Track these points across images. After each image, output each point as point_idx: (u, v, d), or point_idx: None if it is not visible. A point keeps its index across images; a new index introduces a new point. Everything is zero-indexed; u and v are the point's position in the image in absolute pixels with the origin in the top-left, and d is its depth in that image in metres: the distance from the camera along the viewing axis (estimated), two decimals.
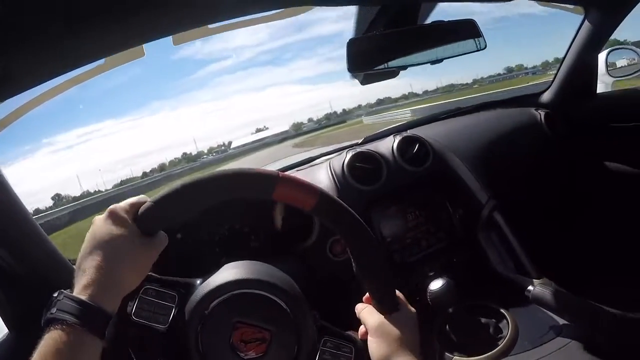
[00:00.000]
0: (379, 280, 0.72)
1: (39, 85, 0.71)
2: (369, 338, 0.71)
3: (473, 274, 1.36)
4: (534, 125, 1.71)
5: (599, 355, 0.93)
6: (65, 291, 0.55)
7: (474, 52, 1.22)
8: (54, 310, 0.54)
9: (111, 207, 0.63)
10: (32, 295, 0.93)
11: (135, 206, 0.64)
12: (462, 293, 1.09)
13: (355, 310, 0.77)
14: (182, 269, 1.14)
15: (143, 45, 0.87)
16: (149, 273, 0.67)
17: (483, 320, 1.12)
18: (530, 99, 1.98)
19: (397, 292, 0.76)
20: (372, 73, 1.25)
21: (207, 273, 0.78)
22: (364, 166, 1.33)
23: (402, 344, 0.68)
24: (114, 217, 0.62)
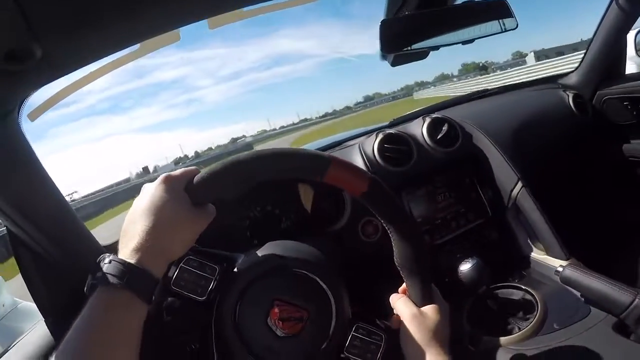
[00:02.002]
0: (419, 273, 0.73)
1: (75, 71, 0.71)
2: (402, 328, 0.71)
3: (502, 254, 1.37)
4: (562, 107, 1.69)
5: (628, 337, 0.94)
6: (111, 255, 0.56)
7: (504, 32, 1.21)
8: (100, 273, 0.54)
9: (165, 174, 0.63)
10: (68, 284, 0.96)
11: (188, 175, 0.64)
12: (491, 274, 1.09)
13: (390, 300, 0.78)
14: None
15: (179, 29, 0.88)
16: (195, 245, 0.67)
17: (512, 301, 1.12)
18: (558, 80, 1.95)
19: (433, 285, 0.76)
20: (402, 54, 1.25)
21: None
22: (394, 147, 1.32)
23: (434, 337, 0.69)
24: (167, 183, 0.62)
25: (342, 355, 0.71)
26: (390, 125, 1.60)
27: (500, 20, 1.19)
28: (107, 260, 0.55)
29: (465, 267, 1.07)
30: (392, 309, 0.77)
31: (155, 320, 0.67)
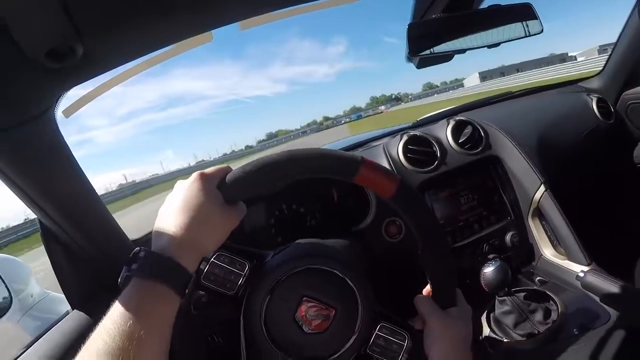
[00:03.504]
0: (444, 275, 0.73)
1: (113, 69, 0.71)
2: (426, 329, 0.72)
3: (523, 258, 1.37)
4: (585, 111, 1.68)
5: None
6: (146, 248, 0.57)
7: (530, 36, 1.21)
8: (135, 266, 0.55)
9: (198, 172, 0.64)
10: (96, 276, 1.00)
11: (221, 173, 0.65)
12: (512, 277, 1.09)
13: (414, 301, 0.77)
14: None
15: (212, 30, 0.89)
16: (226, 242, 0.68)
17: (532, 304, 1.12)
18: (581, 84, 1.93)
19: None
20: (428, 57, 1.25)
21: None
22: (418, 149, 1.33)
23: (458, 338, 0.70)
24: (201, 181, 0.63)
25: (363, 353, 0.72)
26: (414, 127, 1.61)
27: (525, 23, 1.19)
28: (142, 254, 0.56)
29: (489, 269, 1.07)
30: (415, 310, 0.77)
31: (184, 313, 0.69)
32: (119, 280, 0.56)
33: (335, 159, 0.66)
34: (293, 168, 0.65)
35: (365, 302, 0.70)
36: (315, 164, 0.66)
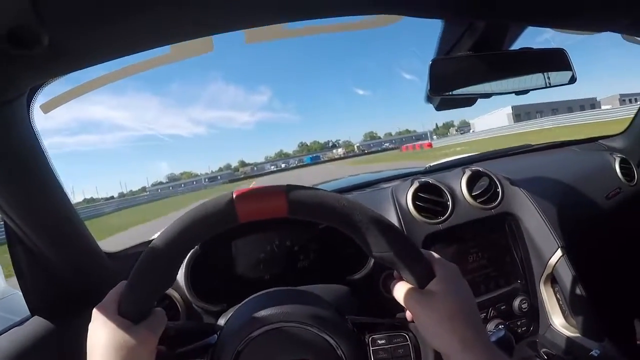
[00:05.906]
0: (400, 254, 0.59)
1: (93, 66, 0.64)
2: (415, 320, 0.61)
3: (530, 326, 1.27)
4: (607, 171, 1.59)
5: None
6: None
7: (562, 85, 1.12)
8: None
9: (94, 310, 0.61)
10: (60, 284, 0.95)
11: (115, 297, 0.62)
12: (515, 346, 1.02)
13: (391, 291, 0.67)
14: (224, 288, 1.12)
15: (212, 37, 0.81)
16: (162, 350, 0.65)
17: None
18: (603, 142, 1.85)
19: (427, 252, 0.65)
20: (449, 99, 1.15)
21: (249, 290, 0.79)
22: (429, 198, 1.24)
23: (452, 311, 0.58)
24: (101, 319, 0.59)
25: None
26: (426, 172, 1.52)
27: (558, 72, 1.10)
28: None
29: (493, 338, 0.99)
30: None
31: None
32: None
33: (209, 215, 0.57)
34: (176, 250, 0.58)
35: (334, 332, 0.65)
36: (194, 232, 0.57)
